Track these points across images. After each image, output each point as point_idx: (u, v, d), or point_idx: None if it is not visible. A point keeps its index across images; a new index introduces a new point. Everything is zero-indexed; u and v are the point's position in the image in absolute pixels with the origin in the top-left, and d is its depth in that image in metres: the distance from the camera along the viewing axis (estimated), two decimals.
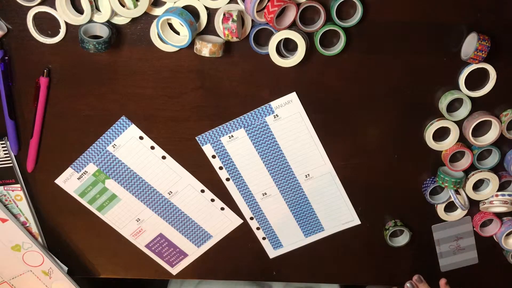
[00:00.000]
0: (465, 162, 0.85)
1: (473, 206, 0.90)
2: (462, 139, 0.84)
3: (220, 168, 0.89)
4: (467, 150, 0.83)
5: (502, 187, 0.88)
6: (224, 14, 0.71)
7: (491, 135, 0.82)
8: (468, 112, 0.80)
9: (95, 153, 0.87)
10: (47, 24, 0.77)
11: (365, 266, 0.99)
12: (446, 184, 0.84)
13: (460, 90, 0.80)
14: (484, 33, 0.74)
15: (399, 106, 0.83)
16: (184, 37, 0.76)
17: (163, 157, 0.87)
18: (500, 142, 0.84)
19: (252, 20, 0.76)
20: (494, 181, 0.86)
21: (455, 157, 0.86)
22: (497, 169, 0.87)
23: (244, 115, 0.84)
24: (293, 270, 1.00)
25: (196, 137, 0.86)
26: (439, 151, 0.86)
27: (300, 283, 1.09)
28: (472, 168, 0.85)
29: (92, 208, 0.93)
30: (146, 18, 0.76)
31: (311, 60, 0.79)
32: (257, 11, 0.73)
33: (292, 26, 0.75)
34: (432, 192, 0.89)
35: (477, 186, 0.88)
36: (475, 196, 0.87)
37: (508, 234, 0.90)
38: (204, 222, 0.95)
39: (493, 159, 0.85)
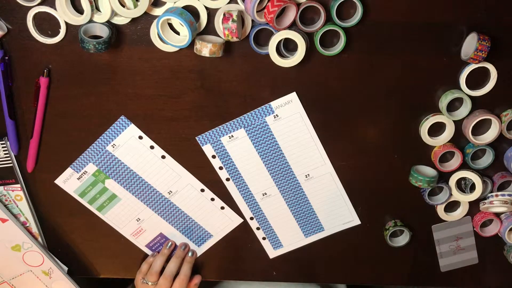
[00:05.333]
0: (455, 162, 0.85)
1: (474, 206, 0.91)
2: (457, 138, 0.84)
3: (220, 168, 0.89)
4: (457, 151, 0.83)
5: (502, 187, 0.88)
6: (224, 14, 0.71)
7: (491, 134, 0.82)
8: (468, 111, 0.80)
9: (94, 153, 0.87)
10: (47, 24, 0.77)
11: (365, 266, 0.99)
12: (420, 184, 0.84)
13: (460, 89, 0.80)
14: (484, 33, 0.74)
15: (399, 106, 0.83)
16: (184, 37, 0.76)
17: (163, 157, 0.87)
18: (500, 142, 0.84)
19: (252, 20, 0.76)
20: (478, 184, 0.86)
21: (445, 157, 0.86)
22: (496, 169, 0.87)
23: (244, 115, 0.84)
24: (293, 270, 1.00)
25: (196, 137, 0.86)
26: None
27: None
28: (463, 168, 0.86)
29: (92, 208, 0.93)
30: (146, 18, 0.76)
31: (311, 60, 0.79)
32: (257, 11, 0.73)
33: (292, 26, 0.75)
34: (430, 193, 0.89)
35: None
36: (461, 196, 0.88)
37: (511, 229, 0.90)
38: (204, 221, 0.95)
39: (487, 159, 0.86)
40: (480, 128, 0.83)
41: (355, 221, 0.94)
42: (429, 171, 0.87)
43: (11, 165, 0.87)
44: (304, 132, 0.85)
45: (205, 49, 0.73)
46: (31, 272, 0.98)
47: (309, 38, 0.77)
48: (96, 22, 0.75)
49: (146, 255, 0.98)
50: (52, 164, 0.88)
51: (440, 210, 0.91)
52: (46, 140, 0.86)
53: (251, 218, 0.95)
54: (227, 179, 0.90)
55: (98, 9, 0.74)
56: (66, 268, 0.99)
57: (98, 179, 0.90)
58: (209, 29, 0.76)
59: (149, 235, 0.96)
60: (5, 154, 0.86)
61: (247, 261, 1.00)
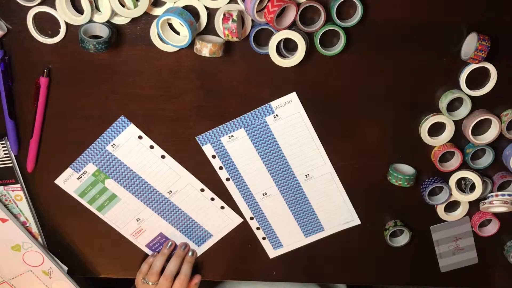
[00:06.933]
0: (455, 162, 0.85)
1: (473, 206, 0.91)
2: (457, 138, 0.84)
3: (220, 168, 0.89)
4: (457, 151, 0.83)
5: (502, 187, 0.88)
6: (224, 14, 0.71)
7: (491, 134, 0.82)
8: (468, 111, 0.80)
9: (94, 153, 0.87)
10: (47, 24, 0.77)
11: (365, 266, 0.99)
12: (400, 182, 0.84)
13: (460, 89, 0.80)
14: (484, 33, 0.74)
15: (399, 106, 0.83)
16: (184, 37, 0.76)
17: (163, 156, 0.87)
18: (500, 142, 0.84)
19: (252, 20, 0.76)
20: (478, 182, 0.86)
21: (445, 157, 0.86)
22: (496, 169, 0.87)
23: (244, 115, 0.84)
24: (293, 270, 1.00)
25: (196, 137, 0.86)
26: None
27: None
28: (463, 168, 0.86)
29: (92, 208, 0.93)
30: (146, 18, 0.76)
31: (311, 60, 0.79)
32: (257, 11, 0.73)
33: (292, 26, 0.75)
34: (430, 193, 0.89)
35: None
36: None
37: None
38: (204, 221, 0.95)
39: (487, 159, 0.86)
40: (480, 128, 0.83)
41: (355, 221, 0.94)
42: (407, 169, 0.87)
43: (11, 165, 0.87)
44: (304, 132, 0.85)
45: (205, 49, 0.73)
46: (31, 272, 0.98)
47: (309, 38, 0.77)
48: (96, 22, 0.75)
49: (146, 255, 0.98)
50: (52, 164, 0.88)
51: (440, 210, 0.91)
52: (46, 140, 0.86)
53: (251, 218, 0.95)
54: (227, 179, 0.90)
55: (98, 9, 0.74)
56: (66, 268, 0.99)
57: (98, 179, 0.90)
58: (209, 29, 0.76)
59: (149, 235, 0.96)
60: (5, 154, 0.86)
61: (247, 261, 1.00)
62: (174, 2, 0.74)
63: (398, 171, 0.86)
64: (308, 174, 0.89)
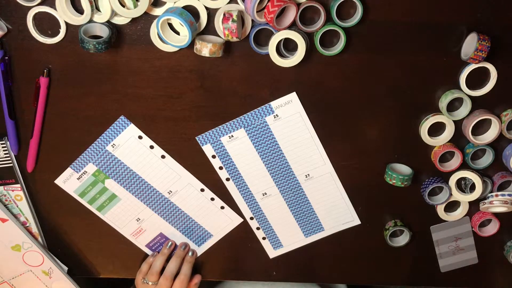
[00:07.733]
0: (455, 162, 0.85)
1: (473, 206, 0.91)
2: (457, 138, 0.84)
3: (220, 168, 0.89)
4: (457, 151, 0.83)
5: (502, 187, 0.88)
6: (224, 14, 0.71)
7: (491, 134, 0.82)
8: (468, 111, 0.80)
9: (94, 153, 0.87)
10: (47, 24, 0.77)
11: (365, 266, 0.99)
12: (394, 181, 0.84)
13: (460, 89, 0.80)
14: (484, 33, 0.74)
15: (399, 106, 0.83)
16: (184, 37, 0.76)
17: (163, 156, 0.87)
18: (500, 142, 0.84)
19: (252, 20, 0.76)
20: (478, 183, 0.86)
21: (445, 157, 0.86)
22: (496, 169, 0.87)
23: (244, 115, 0.84)
24: (293, 270, 1.00)
25: (196, 137, 0.86)
26: None
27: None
28: (463, 168, 0.86)
29: (92, 208, 0.93)
30: (146, 18, 0.76)
31: (311, 60, 0.79)
32: (257, 11, 0.73)
33: (292, 26, 0.75)
34: (430, 193, 0.89)
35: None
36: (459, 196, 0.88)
37: None
38: (204, 221, 0.95)
39: (487, 159, 0.86)
40: (480, 128, 0.83)
41: (355, 221, 0.94)
42: (405, 169, 0.87)
43: (11, 165, 0.87)
44: (304, 132, 0.85)
45: (205, 49, 0.73)
46: (31, 272, 0.98)
47: (309, 38, 0.77)
48: (96, 22, 0.75)
49: (146, 255, 0.98)
50: (52, 164, 0.88)
51: (440, 210, 0.91)
52: (46, 140, 0.86)
53: (251, 218, 0.95)
54: (227, 179, 0.90)
55: (98, 9, 0.74)
56: (66, 268, 0.99)
57: (98, 179, 0.90)
58: (209, 29, 0.77)
59: (149, 235, 0.96)
60: (5, 154, 0.86)
61: (247, 261, 1.00)
62: (174, 2, 0.74)
63: (395, 171, 0.86)
64: (308, 174, 0.89)
